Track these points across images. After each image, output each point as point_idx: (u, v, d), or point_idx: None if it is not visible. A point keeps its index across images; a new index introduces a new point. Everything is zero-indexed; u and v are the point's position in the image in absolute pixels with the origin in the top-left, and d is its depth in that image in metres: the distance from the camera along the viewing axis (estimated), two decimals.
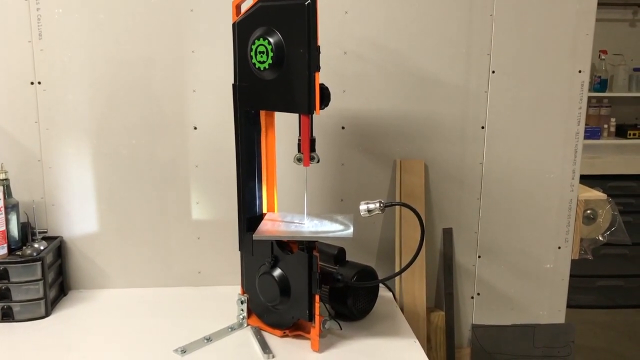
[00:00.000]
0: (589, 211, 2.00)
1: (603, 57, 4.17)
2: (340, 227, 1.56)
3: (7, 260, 1.68)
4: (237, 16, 1.52)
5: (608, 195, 2.01)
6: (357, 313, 1.69)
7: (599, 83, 4.20)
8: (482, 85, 1.92)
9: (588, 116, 4.11)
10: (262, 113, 1.59)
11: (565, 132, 1.95)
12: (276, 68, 1.44)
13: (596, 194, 2.03)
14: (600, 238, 2.03)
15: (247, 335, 1.62)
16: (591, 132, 4.13)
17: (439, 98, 1.91)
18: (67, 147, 1.84)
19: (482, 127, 1.94)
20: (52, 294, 1.77)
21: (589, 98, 4.05)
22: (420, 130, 1.93)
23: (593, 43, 1.90)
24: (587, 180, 2.13)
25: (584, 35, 1.90)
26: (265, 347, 1.52)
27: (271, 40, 1.43)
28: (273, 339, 1.58)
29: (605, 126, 4.26)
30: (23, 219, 1.79)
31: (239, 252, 1.65)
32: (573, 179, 1.98)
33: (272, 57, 1.43)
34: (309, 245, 1.49)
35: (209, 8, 1.80)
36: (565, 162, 1.97)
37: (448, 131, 1.94)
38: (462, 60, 1.90)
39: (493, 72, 1.91)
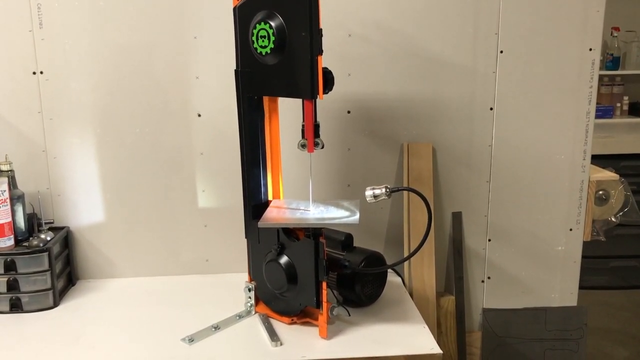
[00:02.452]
0: (601, 192, 1.97)
1: (615, 34, 4.09)
2: (346, 213, 1.54)
3: (14, 252, 1.68)
4: (237, 0, 1.50)
5: (620, 175, 1.98)
6: (365, 299, 1.67)
7: (611, 61, 4.13)
8: (490, 65, 1.88)
9: (600, 95, 4.04)
10: (266, 99, 1.57)
11: (576, 112, 1.91)
12: (278, 52, 1.41)
13: (608, 175, 1.99)
14: (613, 219, 2.00)
15: (255, 322, 1.61)
16: (603, 111, 4.07)
17: (446, 79, 1.88)
18: (71, 136, 1.83)
19: (491, 109, 1.91)
20: (60, 284, 1.77)
21: (601, 76, 4.00)
22: (427, 113, 1.90)
23: (604, 20, 1.86)
24: (599, 160, 2.10)
25: (595, 12, 1.85)
26: (273, 335, 1.52)
27: (272, 24, 1.40)
28: (281, 327, 1.57)
29: (618, 104, 4.19)
30: (29, 210, 1.79)
31: (246, 240, 1.63)
32: (584, 159, 1.95)
33: (273, 42, 1.41)
34: (315, 232, 1.48)
35: None
36: (575, 142, 1.93)
37: (456, 113, 1.91)
38: (469, 40, 1.86)
39: (501, 51, 1.87)
